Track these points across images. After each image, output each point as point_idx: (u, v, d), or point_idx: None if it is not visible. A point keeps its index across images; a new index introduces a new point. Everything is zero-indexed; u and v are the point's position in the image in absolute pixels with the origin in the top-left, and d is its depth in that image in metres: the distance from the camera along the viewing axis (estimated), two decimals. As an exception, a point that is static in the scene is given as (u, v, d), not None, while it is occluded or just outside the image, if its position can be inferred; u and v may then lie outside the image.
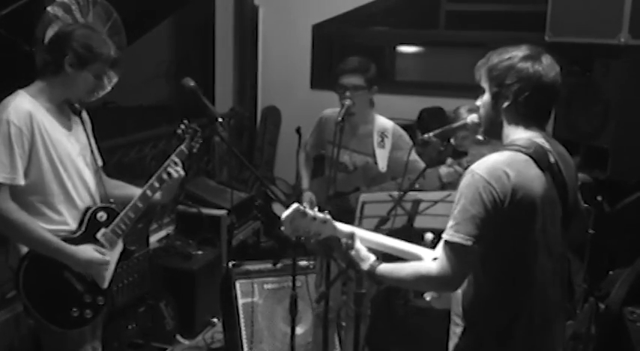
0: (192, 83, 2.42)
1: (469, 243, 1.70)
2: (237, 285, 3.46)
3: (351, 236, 2.00)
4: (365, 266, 1.95)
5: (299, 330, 3.40)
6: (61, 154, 2.32)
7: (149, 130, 4.63)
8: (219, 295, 3.61)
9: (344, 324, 3.47)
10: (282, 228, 1.96)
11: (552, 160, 1.80)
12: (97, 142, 2.55)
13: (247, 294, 3.46)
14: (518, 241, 1.76)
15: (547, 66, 1.80)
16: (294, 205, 1.95)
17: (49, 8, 2.92)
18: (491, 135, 1.90)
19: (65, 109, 2.41)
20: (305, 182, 3.43)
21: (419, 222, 2.61)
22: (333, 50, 5.43)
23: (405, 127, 3.43)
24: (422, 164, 3.22)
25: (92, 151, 2.49)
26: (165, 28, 6.95)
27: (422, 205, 2.58)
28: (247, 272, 3.50)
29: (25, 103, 2.26)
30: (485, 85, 1.86)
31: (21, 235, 2.29)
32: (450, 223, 1.75)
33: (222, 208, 4.17)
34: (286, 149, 5.29)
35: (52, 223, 2.33)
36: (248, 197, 4.51)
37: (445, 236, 1.75)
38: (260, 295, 3.50)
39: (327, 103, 3.59)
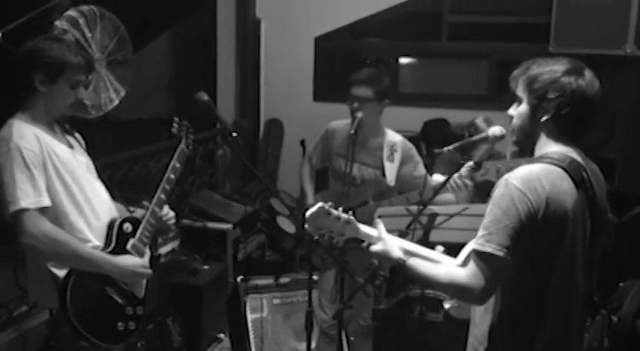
0: (205, 97, 2.40)
1: (501, 254, 1.67)
2: (246, 300, 3.42)
3: (377, 239, 1.97)
4: (395, 254, 1.90)
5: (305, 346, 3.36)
6: (72, 172, 2.30)
7: (150, 144, 4.62)
8: (227, 311, 3.57)
9: (352, 339, 3.44)
10: (306, 225, 1.94)
11: (585, 175, 1.78)
12: (93, 160, 2.52)
13: (256, 309, 3.43)
14: (547, 254, 1.74)
15: (589, 81, 1.78)
16: (319, 203, 1.95)
17: (56, 22, 2.90)
18: (524, 146, 1.88)
19: (58, 130, 2.38)
20: (310, 197, 3.39)
21: (434, 236, 2.58)
22: (336, 62, 5.44)
23: (408, 139, 3.43)
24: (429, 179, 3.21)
25: (96, 167, 2.48)
26: (165, 41, 6.95)
27: (438, 219, 2.56)
28: (256, 287, 3.47)
29: (26, 127, 2.24)
30: (522, 95, 1.83)
31: (69, 255, 2.25)
32: (481, 232, 1.72)
33: (227, 221, 4.13)
34: (289, 162, 5.28)
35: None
36: (252, 211, 4.47)
37: (475, 246, 1.72)
38: (269, 311, 3.46)
39: (330, 116, 3.58)
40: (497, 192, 1.73)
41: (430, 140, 4.59)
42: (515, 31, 5.02)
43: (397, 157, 3.21)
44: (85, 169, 2.38)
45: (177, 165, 2.52)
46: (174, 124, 2.55)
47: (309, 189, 3.41)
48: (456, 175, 2.71)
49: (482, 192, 3.30)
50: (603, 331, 3.32)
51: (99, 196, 2.41)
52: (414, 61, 5.68)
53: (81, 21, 2.97)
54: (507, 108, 1.94)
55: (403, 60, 5.63)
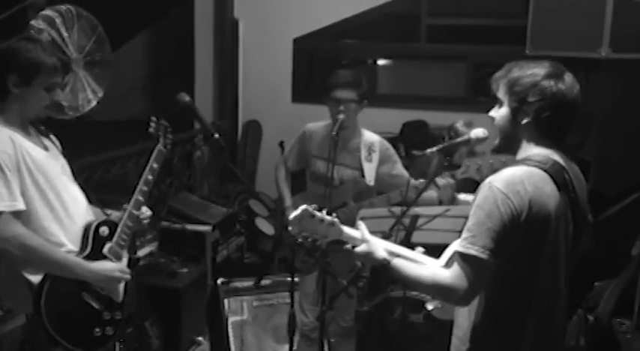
0: (187, 98, 2.38)
1: (484, 256, 1.69)
2: (226, 303, 3.40)
3: (361, 241, 1.97)
4: (380, 255, 1.90)
5: (286, 348, 3.35)
6: (47, 175, 2.25)
7: (127, 145, 4.57)
8: (206, 314, 3.54)
9: (332, 341, 3.44)
10: (290, 228, 1.94)
11: (567, 177, 1.80)
12: (69, 162, 2.47)
13: (236, 312, 3.41)
14: (530, 257, 1.75)
15: (569, 85, 1.79)
16: (303, 206, 1.95)
17: (32, 22, 2.85)
18: (506, 149, 1.90)
19: (33, 132, 2.33)
20: (287, 199, 3.38)
21: (416, 237, 2.60)
22: (314, 64, 5.44)
23: (387, 140, 3.44)
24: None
25: (72, 170, 2.44)
26: (142, 41, 6.89)
27: (420, 221, 2.57)
28: (236, 290, 3.45)
29: (1, 129, 2.18)
30: (503, 97, 1.85)
31: (42, 260, 2.20)
32: (465, 234, 1.73)
33: (206, 223, 4.10)
34: (268, 163, 5.25)
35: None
36: (231, 212, 4.45)
37: (459, 248, 1.73)
38: (249, 313, 3.45)
39: (308, 117, 3.58)
40: (481, 195, 1.75)
41: (409, 141, 4.61)
42: (492, 33, 5.08)
43: (375, 157, 3.23)
44: (60, 171, 2.33)
45: (155, 166, 2.47)
46: (152, 124, 2.51)
47: (285, 191, 3.40)
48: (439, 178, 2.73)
49: (463, 189, 3.34)
50: (580, 331, 3.37)
51: (74, 199, 2.36)
52: (392, 62, 5.70)
53: (58, 20, 2.93)
54: (487, 110, 1.96)
55: (382, 61, 5.65)
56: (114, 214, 2.50)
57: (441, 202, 2.87)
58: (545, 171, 1.76)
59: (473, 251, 1.70)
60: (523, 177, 1.73)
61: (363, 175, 3.21)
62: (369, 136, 3.29)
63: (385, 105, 5.02)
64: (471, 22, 5.18)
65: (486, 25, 5.12)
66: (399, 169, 3.28)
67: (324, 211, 1.98)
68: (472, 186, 3.29)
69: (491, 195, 1.72)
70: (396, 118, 4.78)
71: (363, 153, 3.23)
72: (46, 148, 2.33)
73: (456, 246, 1.98)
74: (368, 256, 1.94)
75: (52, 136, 2.43)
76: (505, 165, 2.39)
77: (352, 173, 3.23)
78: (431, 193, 2.81)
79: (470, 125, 3.54)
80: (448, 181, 2.75)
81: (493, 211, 1.70)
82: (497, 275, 1.73)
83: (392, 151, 3.32)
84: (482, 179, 2.47)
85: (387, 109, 5.01)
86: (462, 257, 1.72)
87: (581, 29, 3.69)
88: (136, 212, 2.44)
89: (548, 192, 1.74)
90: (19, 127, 2.25)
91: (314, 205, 1.97)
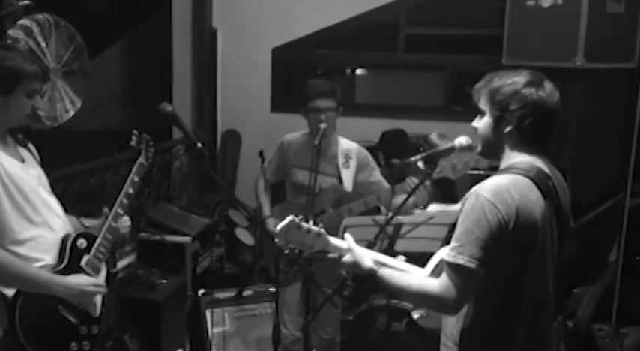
0: (169, 108, 2.36)
1: (473, 265, 1.70)
2: (208, 314, 3.37)
3: (347, 250, 1.98)
4: (366, 264, 1.91)
5: (268, 358, 3.35)
6: (21, 188, 2.21)
7: (103, 156, 4.52)
8: (187, 325, 3.51)
9: (314, 351, 3.43)
10: (276, 239, 1.94)
11: (551, 184, 1.83)
12: (46, 172, 2.44)
13: (218, 323, 3.39)
14: (518, 265, 1.77)
15: (549, 92, 1.83)
16: (290, 217, 1.95)
17: (9, 31, 2.81)
18: (489, 157, 1.92)
19: (10, 142, 2.30)
20: (266, 209, 3.40)
21: (400, 245, 2.61)
22: (293, 73, 5.44)
23: (367, 149, 3.47)
24: (386, 185, 3.25)
25: (49, 181, 2.41)
26: (118, 50, 6.83)
27: (403, 229, 2.59)
28: (217, 300, 3.43)
29: None
30: (485, 107, 1.87)
31: (10, 276, 2.16)
32: (453, 244, 1.74)
33: (185, 234, 4.07)
34: (247, 173, 5.23)
35: (29, 261, 2.21)
36: (211, 223, 4.42)
37: (447, 258, 1.74)
38: (231, 324, 3.42)
39: (287, 127, 3.59)
40: (468, 204, 1.76)
41: (388, 150, 4.65)
42: (469, 43, 5.14)
43: (353, 164, 3.27)
44: (36, 183, 2.30)
45: (136, 179, 2.48)
46: (134, 138, 2.52)
47: (265, 203, 3.42)
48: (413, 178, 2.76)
49: (439, 189, 3.37)
50: (560, 337, 3.42)
51: (51, 211, 2.33)
52: (371, 72, 5.74)
53: (35, 30, 2.89)
54: (465, 119, 1.98)
55: (360, 71, 5.68)
56: (92, 223, 2.48)
57: (416, 206, 2.91)
58: (530, 179, 1.78)
59: (461, 260, 1.71)
60: (509, 185, 1.75)
61: (341, 183, 3.23)
62: (346, 143, 3.33)
63: (364, 114, 5.05)
64: (449, 32, 5.23)
65: (463, 35, 5.18)
66: (377, 175, 3.32)
67: (311, 222, 1.98)
68: (449, 185, 3.34)
69: (478, 204, 1.73)
70: (375, 127, 4.81)
71: (341, 160, 3.27)
72: (22, 160, 2.29)
73: (441, 254, 2.00)
74: (354, 265, 1.95)
75: (29, 146, 2.40)
76: (479, 162, 2.44)
77: (331, 181, 3.25)
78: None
79: (444, 137, 3.60)
80: (442, 166, 2.76)
81: (481, 220, 1.71)
82: (486, 283, 1.75)
83: (369, 158, 3.36)
84: (457, 177, 2.52)
85: (366, 118, 5.04)
86: (451, 266, 1.73)
87: (556, 39, 3.75)
88: (114, 225, 2.42)
89: (533, 199, 1.77)
90: None
91: (300, 217, 1.98)
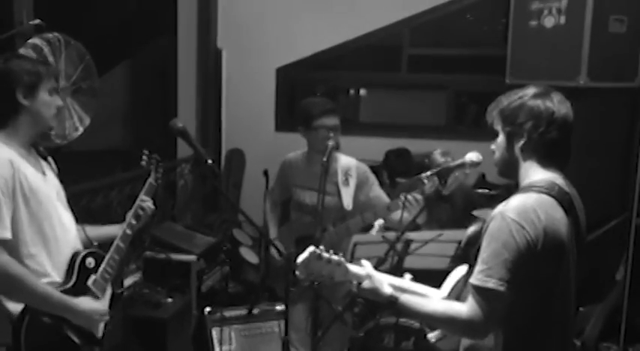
0: (180, 125, 2.39)
1: (502, 289, 1.67)
2: (214, 333, 3.35)
3: (366, 277, 1.97)
4: (386, 291, 1.90)
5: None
6: (41, 201, 2.22)
7: (105, 176, 4.54)
8: (192, 344, 3.48)
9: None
10: (297, 272, 1.94)
11: (571, 202, 1.81)
12: (64, 187, 2.47)
13: (224, 342, 3.37)
14: (547, 284, 1.75)
15: (558, 102, 1.83)
16: (310, 248, 1.94)
17: (20, 50, 2.84)
18: (508, 175, 1.91)
19: (34, 153, 2.32)
20: (272, 231, 3.41)
21: (408, 262, 2.60)
22: (297, 93, 5.48)
23: (370, 168, 3.47)
24: (386, 199, 3.26)
25: (65, 195, 2.42)
26: (123, 70, 6.88)
27: (413, 246, 2.58)
28: (223, 319, 3.41)
29: (3, 150, 2.17)
30: (498, 127, 1.88)
31: (22, 291, 2.15)
32: (480, 267, 1.71)
33: (190, 253, 4.07)
34: (251, 192, 5.24)
35: (37, 276, 2.21)
36: (215, 242, 4.42)
37: (475, 282, 1.71)
38: (237, 343, 3.40)
39: (291, 145, 3.61)
40: (494, 225, 1.73)
41: (392, 169, 4.66)
42: (472, 63, 5.18)
43: (352, 182, 3.27)
44: (54, 197, 2.31)
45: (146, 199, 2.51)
46: (144, 157, 2.54)
47: (271, 223, 3.43)
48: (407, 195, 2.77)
49: (432, 203, 3.38)
50: (568, 356, 3.39)
51: (65, 227, 2.33)
52: (374, 91, 5.78)
53: (45, 49, 2.92)
54: (472, 138, 1.98)
55: (364, 91, 5.72)
56: (97, 231, 2.49)
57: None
58: (552, 197, 1.76)
59: (491, 284, 1.68)
60: (535, 205, 1.73)
61: (340, 200, 3.24)
62: (346, 160, 3.34)
63: (368, 134, 5.08)
64: (452, 52, 5.27)
65: (466, 54, 5.23)
66: (377, 190, 3.32)
67: (332, 251, 1.97)
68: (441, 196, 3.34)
69: (504, 225, 1.70)
70: (379, 146, 4.82)
71: (340, 178, 3.27)
72: (43, 173, 2.31)
73: (457, 276, 1.99)
74: (374, 292, 1.93)
75: (49, 159, 2.42)
76: (467, 178, 2.44)
77: (332, 199, 3.25)
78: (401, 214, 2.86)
79: (447, 154, 3.63)
80: (414, 198, 2.77)
81: (509, 242, 1.68)
82: (514, 305, 1.72)
83: (369, 172, 3.36)
84: (448, 191, 2.53)
85: (370, 137, 5.07)
86: (479, 291, 1.70)
87: (559, 59, 3.77)
88: (122, 245, 2.42)
89: (559, 218, 1.75)
90: (22, 146, 2.24)
91: (321, 247, 1.97)
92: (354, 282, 1.99)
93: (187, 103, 5.47)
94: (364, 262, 2.02)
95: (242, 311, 3.46)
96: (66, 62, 3.01)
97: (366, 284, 1.95)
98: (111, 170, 5.31)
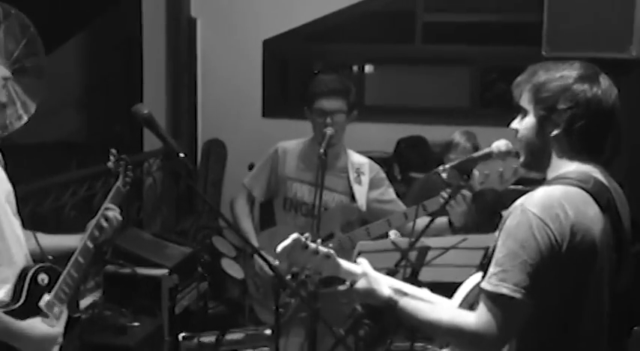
0: (146, 111, 2.38)
1: (518, 295, 1.69)
2: (190, 363, 3.38)
3: (361, 276, 1.99)
4: (384, 293, 1.91)
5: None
6: None
7: (57, 173, 4.54)
8: (165, 377, 3.50)
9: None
10: (277, 260, 1.97)
11: (610, 198, 1.81)
12: (14, 188, 2.49)
13: (203, 373, 3.39)
14: (573, 294, 1.76)
15: (606, 89, 1.82)
16: (294, 235, 1.96)
17: (-49, 22, 2.84)
18: (534, 166, 1.92)
19: None
20: (252, 237, 3.34)
21: (424, 274, 2.60)
22: (289, 71, 5.49)
23: (380, 161, 3.48)
24: (402, 205, 3.27)
25: (16, 197, 2.43)
26: (77, 46, 6.88)
27: (430, 254, 2.58)
28: (201, 346, 3.43)
29: None
30: (527, 106, 1.88)
31: None
32: (494, 269, 1.73)
33: (161, 266, 4.07)
34: (233, 192, 5.24)
35: None
36: (191, 252, 4.43)
37: (487, 286, 1.73)
38: (218, 375, 3.42)
39: (282, 134, 3.62)
40: (512, 221, 1.75)
41: (405, 162, 4.68)
42: (501, 32, 5.20)
43: (365, 180, 3.28)
44: (4, 199, 2.33)
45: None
46: (111, 158, 2.56)
47: (249, 228, 3.37)
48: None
49: (482, 204, 3.38)
50: (620, 384, 3.41)
51: (16, 236, 2.35)
52: (382, 68, 5.78)
53: (-21, 20, 2.91)
54: (502, 124, 1.99)
55: (369, 67, 5.73)
56: (51, 240, 2.50)
57: (451, 225, 2.91)
58: (586, 191, 1.77)
59: (504, 290, 1.69)
60: (562, 198, 1.74)
61: (353, 200, 3.24)
62: (357, 157, 3.36)
63: (375, 119, 5.09)
64: (475, 19, 5.28)
65: (494, 22, 5.24)
66: (391, 193, 3.33)
67: (319, 241, 2.00)
68: (495, 200, 3.35)
69: (524, 221, 1.72)
70: (388, 134, 4.85)
71: (352, 174, 3.27)
72: None
73: (471, 283, 2.00)
74: (370, 293, 1.95)
75: None
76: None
77: (339, 198, 3.25)
78: (441, 220, 2.85)
79: (470, 135, 3.66)
80: (462, 194, 2.78)
81: (528, 241, 1.70)
82: (533, 316, 1.73)
83: (383, 174, 3.38)
84: (504, 187, 2.53)
85: (377, 123, 5.10)
86: (491, 297, 1.72)
87: (606, 26, 3.78)
88: (82, 260, 2.43)
89: (591, 216, 1.76)
90: None
91: (307, 234, 1.99)
92: (347, 281, 2.00)
93: (155, 85, 5.49)
94: (361, 259, 2.04)
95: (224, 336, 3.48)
96: (5, 36, 3.00)
97: (360, 284, 1.97)
98: (64, 167, 5.31)
